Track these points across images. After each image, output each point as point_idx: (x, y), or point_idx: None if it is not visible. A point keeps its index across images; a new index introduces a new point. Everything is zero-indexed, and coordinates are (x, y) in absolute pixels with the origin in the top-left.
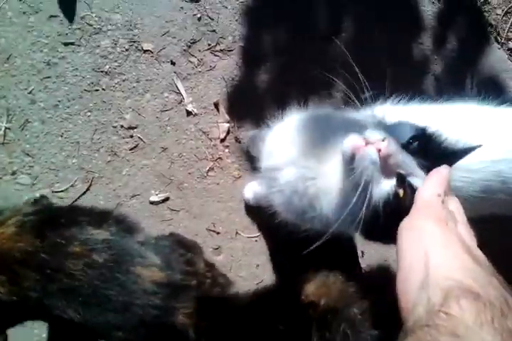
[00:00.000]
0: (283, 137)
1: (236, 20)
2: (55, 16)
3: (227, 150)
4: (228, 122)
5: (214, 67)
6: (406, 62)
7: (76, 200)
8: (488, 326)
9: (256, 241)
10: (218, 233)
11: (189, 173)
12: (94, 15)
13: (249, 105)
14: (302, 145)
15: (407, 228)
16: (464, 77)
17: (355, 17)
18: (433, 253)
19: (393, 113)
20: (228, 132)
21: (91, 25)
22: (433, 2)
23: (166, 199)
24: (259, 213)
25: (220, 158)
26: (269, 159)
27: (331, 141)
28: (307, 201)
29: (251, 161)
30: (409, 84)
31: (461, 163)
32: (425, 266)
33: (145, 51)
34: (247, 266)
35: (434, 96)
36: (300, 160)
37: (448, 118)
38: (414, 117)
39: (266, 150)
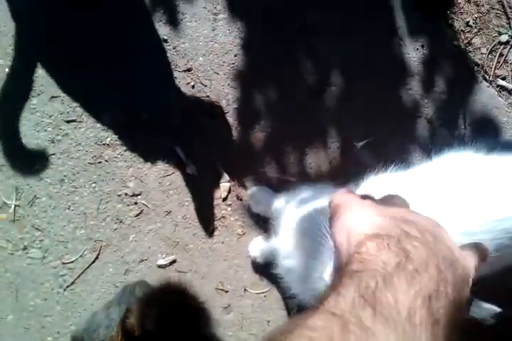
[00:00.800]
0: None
1: (228, 85)
2: (56, 97)
3: (229, 208)
4: (229, 181)
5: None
6: (397, 108)
7: (85, 270)
8: (385, 249)
9: (265, 296)
10: (227, 291)
11: (194, 234)
12: (94, 94)
13: (248, 163)
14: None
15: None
16: (456, 118)
17: (342, 69)
18: (353, 228)
19: (381, 184)
20: (229, 191)
21: (90, 99)
22: (417, 48)
23: (173, 261)
24: (266, 268)
25: (223, 216)
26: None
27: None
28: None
29: (254, 218)
30: (401, 129)
31: (471, 227)
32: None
33: (144, 121)
34: (258, 322)
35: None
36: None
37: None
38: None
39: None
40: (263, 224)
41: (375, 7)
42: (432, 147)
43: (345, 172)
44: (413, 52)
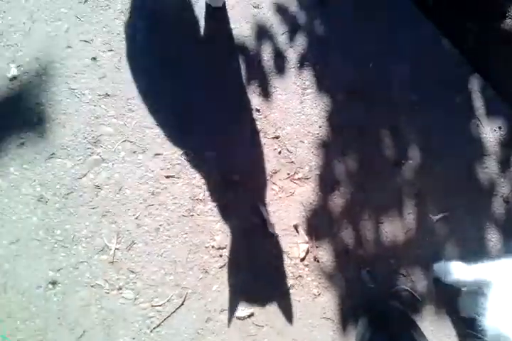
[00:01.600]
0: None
1: (312, 153)
2: (159, 154)
3: (307, 268)
4: (307, 242)
5: (293, 194)
6: (473, 185)
7: (171, 314)
8: None
9: None
10: None
11: (272, 290)
12: (193, 154)
13: (326, 226)
14: None
15: None
16: None
17: (421, 145)
18: None
19: None
20: (307, 252)
21: (189, 161)
22: (494, 129)
23: (251, 314)
24: None
25: (300, 276)
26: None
27: None
28: None
29: (332, 280)
30: (476, 206)
31: None
32: None
33: (234, 182)
34: None
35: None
36: None
37: None
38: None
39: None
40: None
41: (454, 89)
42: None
43: (420, 245)
44: (490, 133)
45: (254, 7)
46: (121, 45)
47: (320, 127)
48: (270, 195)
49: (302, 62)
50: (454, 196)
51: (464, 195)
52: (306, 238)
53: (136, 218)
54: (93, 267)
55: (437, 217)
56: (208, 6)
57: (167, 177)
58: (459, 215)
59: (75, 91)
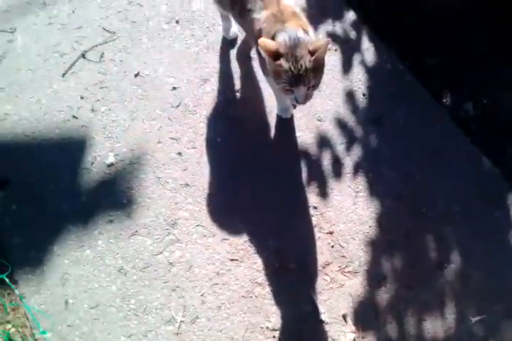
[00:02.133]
0: None
1: (362, 249)
2: (226, 239)
3: None
4: (354, 332)
5: (343, 285)
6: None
7: None
8: None
9: None
10: None
11: None
12: (256, 242)
13: (373, 319)
14: None
15: None
16: None
17: (464, 250)
18: None
19: None
20: None
21: (252, 247)
22: None
23: None
24: None
25: None
26: None
27: None
28: None
29: None
30: None
31: None
32: None
33: (290, 269)
34: None
35: None
36: None
37: None
38: None
39: None
40: None
41: (494, 203)
42: None
43: None
44: None
45: (318, 120)
46: (203, 144)
47: (370, 227)
48: (322, 284)
49: (357, 169)
50: (492, 300)
51: (501, 300)
52: (354, 328)
53: (202, 295)
54: (159, 336)
55: (476, 318)
56: (278, 117)
57: (231, 260)
58: (497, 319)
59: (161, 179)
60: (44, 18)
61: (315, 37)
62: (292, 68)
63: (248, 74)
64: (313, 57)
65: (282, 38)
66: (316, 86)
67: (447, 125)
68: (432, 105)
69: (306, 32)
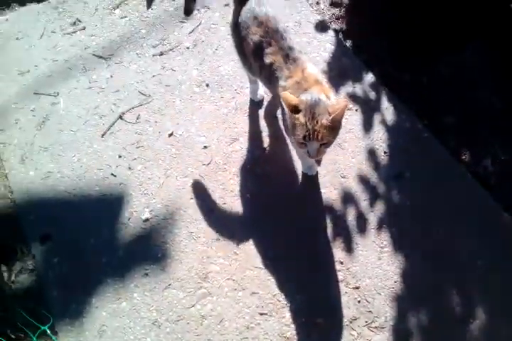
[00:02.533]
0: None
1: (387, 304)
2: (256, 293)
3: None
4: None
5: (370, 340)
6: None
7: None
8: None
9: None
10: None
11: None
12: (284, 296)
13: None
14: None
15: None
16: None
17: (488, 305)
18: None
19: None
20: None
21: (280, 302)
22: None
23: None
24: None
25: None
26: None
27: None
28: None
29: None
30: None
31: None
32: None
33: (317, 324)
34: None
35: None
36: None
37: None
38: None
39: None
40: None
41: None
42: None
43: None
44: None
45: (342, 177)
46: (233, 200)
47: (395, 282)
48: (349, 339)
49: (381, 225)
50: None
51: None
52: None
53: None
54: None
55: None
56: (304, 174)
57: (261, 314)
58: None
59: (193, 234)
60: (84, 82)
61: (335, 100)
62: (308, 123)
63: (275, 133)
64: (330, 117)
65: (304, 97)
66: (329, 144)
67: (467, 181)
68: (451, 161)
69: (327, 97)
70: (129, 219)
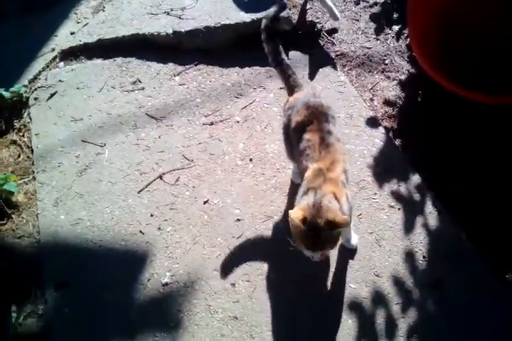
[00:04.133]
0: None
1: None
2: None
3: None
4: None
5: None
6: None
7: None
8: None
9: None
10: None
11: None
12: None
13: None
14: None
15: None
16: None
17: None
18: None
19: None
20: None
21: None
22: None
23: None
24: None
25: None
26: None
27: None
28: None
29: None
30: None
31: None
32: None
33: None
34: None
35: None
36: None
37: None
38: None
39: None
40: None
41: None
42: None
43: None
44: None
45: (375, 275)
46: (257, 278)
47: None
48: None
49: (411, 334)
50: None
51: None
52: None
53: None
54: None
55: None
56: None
57: None
58: None
59: (211, 307)
60: (133, 138)
61: (346, 205)
62: (310, 236)
63: None
64: (330, 232)
65: (306, 202)
66: (331, 248)
67: (508, 303)
68: (493, 278)
69: (337, 199)
70: (148, 280)
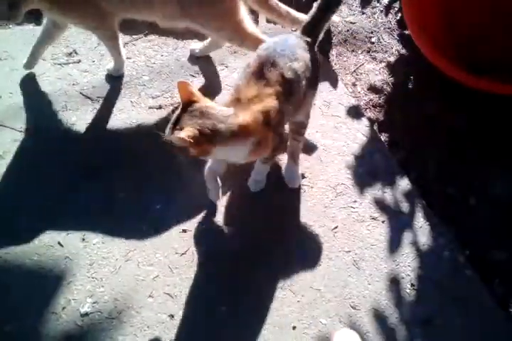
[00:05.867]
0: None
1: None
2: None
3: None
4: None
5: None
6: None
7: None
8: None
9: None
10: None
11: None
12: None
13: None
14: None
15: None
16: None
17: None
18: None
19: None
20: None
21: None
22: None
23: None
24: None
25: None
26: None
27: None
28: None
29: None
30: None
31: None
32: None
33: None
34: None
35: None
36: None
37: None
38: None
39: None
40: None
41: None
42: None
43: None
44: None
45: (352, 307)
46: (202, 308)
47: None
48: None
49: None
50: None
51: None
52: None
53: None
54: None
55: None
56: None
57: None
58: None
59: None
60: (61, 123)
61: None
62: None
63: None
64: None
65: None
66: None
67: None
68: (499, 314)
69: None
70: (63, 308)
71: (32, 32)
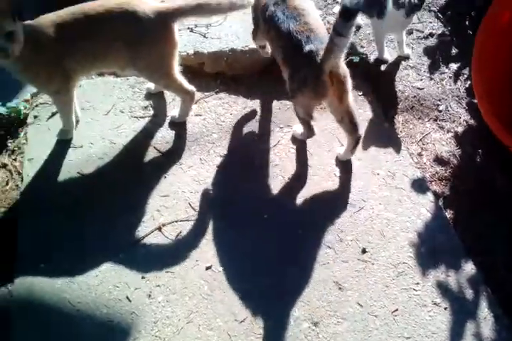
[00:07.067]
0: None
1: None
2: None
3: None
4: None
5: None
6: None
7: None
8: None
9: None
10: None
11: None
12: None
13: None
14: None
15: None
16: None
17: None
18: None
19: None
20: None
21: None
22: None
23: None
24: None
25: None
26: None
27: None
28: None
29: None
30: None
31: None
32: None
33: None
34: None
35: None
36: None
37: None
38: None
39: None
40: None
41: None
42: None
43: None
44: None
45: None
46: None
47: None
48: None
49: None
50: None
51: None
52: None
53: None
54: None
55: None
56: None
57: None
58: None
59: None
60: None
61: None
62: None
63: None
64: None
65: None
66: None
67: None
68: None
69: None
70: None
71: (112, 83)
